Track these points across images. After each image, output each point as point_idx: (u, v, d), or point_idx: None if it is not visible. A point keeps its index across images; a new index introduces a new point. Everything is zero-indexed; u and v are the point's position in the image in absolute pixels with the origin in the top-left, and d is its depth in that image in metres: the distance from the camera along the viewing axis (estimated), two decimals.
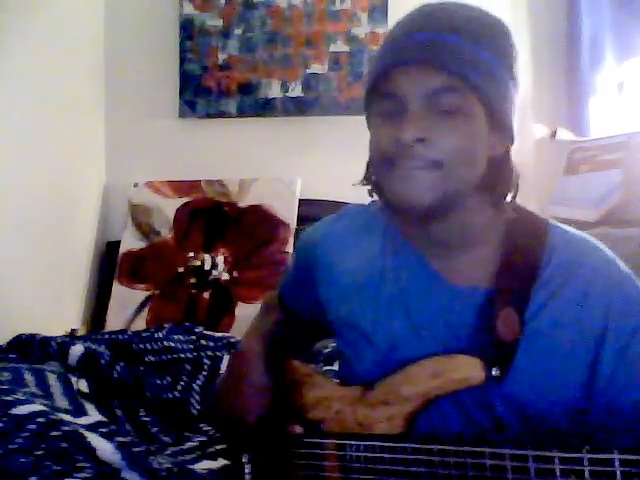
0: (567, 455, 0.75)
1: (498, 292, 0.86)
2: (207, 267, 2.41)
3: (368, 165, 0.96)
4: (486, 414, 0.88)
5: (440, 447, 0.82)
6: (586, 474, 0.73)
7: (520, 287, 0.86)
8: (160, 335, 1.95)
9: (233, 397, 1.03)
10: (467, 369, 0.85)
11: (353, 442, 0.90)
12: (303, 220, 2.32)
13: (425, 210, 0.85)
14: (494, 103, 0.85)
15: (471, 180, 0.86)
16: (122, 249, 2.50)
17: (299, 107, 2.53)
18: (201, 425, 1.62)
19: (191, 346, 1.88)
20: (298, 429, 0.96)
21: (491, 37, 0.86)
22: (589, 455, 0.73)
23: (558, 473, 0.75)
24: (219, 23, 2.57)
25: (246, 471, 1.00)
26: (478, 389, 0.85)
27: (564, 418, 0.86)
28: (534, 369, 0.85)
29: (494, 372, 0.83)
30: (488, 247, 0.90)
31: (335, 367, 1.55)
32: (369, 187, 0.96)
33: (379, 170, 0.90)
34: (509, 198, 0.90)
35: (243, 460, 1.00)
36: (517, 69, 0.88)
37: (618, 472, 0.72)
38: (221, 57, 2.57)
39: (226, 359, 1.79)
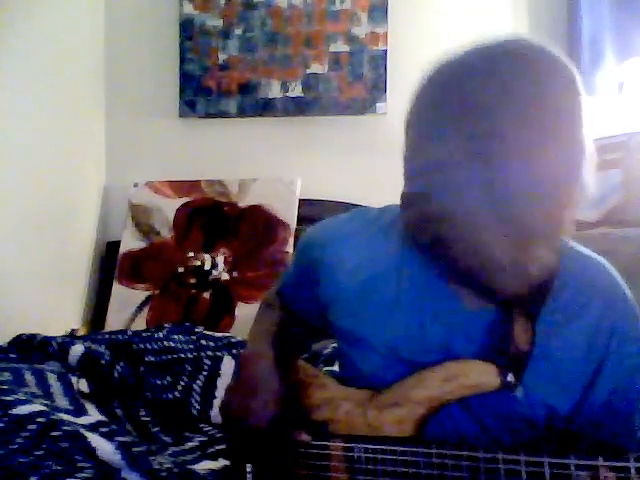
0: (583, 462, 0.75)
1: (514, 302, 0.86)
2: (207, 267, 2.41)
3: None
4: (498, 420, 0.88)
5: (451, 452, 0.82)
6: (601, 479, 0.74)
7: (533, 298, 0.85)
8: (160, 335, 1.95)
9: (244, 402, 1.00)
10: (481, 375, 0.85)
11: (362, 445, 0.90)
12: (303, 220, 2.32)
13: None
14: None
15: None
16: (122, 249, 2.50)
17: (299, 107, 2.53)
18: (201, 425, 1.62)
19: (191, 346, 1.87)
20: (305, 437, 0.95)
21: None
22: (604, 462, 0.74)
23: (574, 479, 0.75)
24: (219, 23, 2.57)
25: (247, 470, 1.00)
26: (490, 395, 0.85)
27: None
28: (544, 381, 0.86)
29: (509, 378, 0.83)
30: None
31: (335, 368, 1.55)
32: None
33: None
34: None
35: (247, 470, 0.99)
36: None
37: (634, 479, 0.72)
38: (221, 57, 2.58)
39: (226, 359, 1.79)
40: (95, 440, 1.24)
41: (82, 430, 1.26)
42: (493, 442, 0.87)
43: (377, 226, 0.98)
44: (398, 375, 0.90)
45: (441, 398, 0.87)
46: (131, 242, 2.51)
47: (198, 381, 1.74)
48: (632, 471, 0.72)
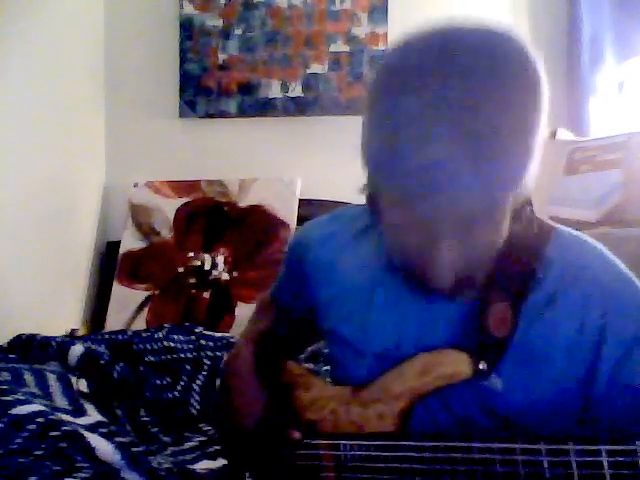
0: (554, 447, 0.75)
1: (492, 287, 0.85)
2: (207, 267, 2.41)
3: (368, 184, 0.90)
4: (477, 410, 0.87)
5: (431, 444, 0.82)
6: (573, 465, 0.74)
7: (515, 285, 0.85)
8: (160, 335, 1.95)
9: (229, 404, 1.03)
10: (455, 364, 0.84)
11: (349, 442, 0.90)
12: (303, 220, 2.31)
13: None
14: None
15: (496, 245, 0.81)
16: (122, 249, 2.50)
17: (299, 107, 2.53)
18: (201, 425, 1.62)
19: (191, 346, 1.88)
20: (296, 435, 0.96)
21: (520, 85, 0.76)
22: (576, 447, 0.74)
23: (546, 465, 0.75)
24: (219, 23, 2.57)
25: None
26: (468, 385, 0.84)
27: (562, 419, 0.86)
28: (526, 370, 0.84)
29: (481, 366, 0.82)
30: None
31: None
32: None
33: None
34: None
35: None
36: (542, 99, 0.77)
37: (605, 462, 0.72)
38: (221, 57, 2.58)
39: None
40: (94, 440, 1.24)
41: (81, 430, 1.26)
42: (470, 431, 0.86)
43: (358, 226, 0.98)
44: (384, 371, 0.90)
45: (420, 390, 0.87)
46: (131, 242, 2.51)
47: (198, 381, 1.74)
48: (603, 454, 0.72)
